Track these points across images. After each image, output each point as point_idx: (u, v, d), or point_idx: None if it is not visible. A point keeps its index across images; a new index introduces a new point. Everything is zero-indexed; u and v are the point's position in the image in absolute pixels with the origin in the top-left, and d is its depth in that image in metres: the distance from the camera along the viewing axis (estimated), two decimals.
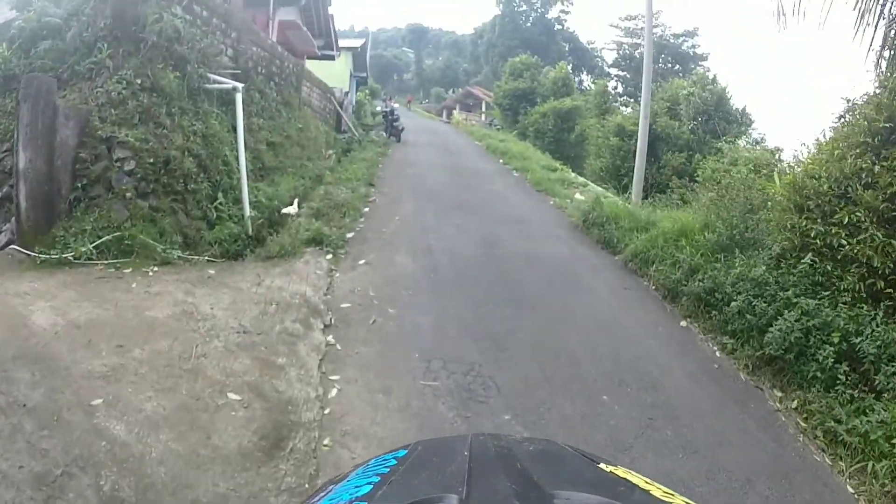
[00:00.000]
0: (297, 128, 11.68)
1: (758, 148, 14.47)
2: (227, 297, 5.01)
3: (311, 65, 19.40)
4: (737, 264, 5.92)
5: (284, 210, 8.71)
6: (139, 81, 6.36)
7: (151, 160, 6.06)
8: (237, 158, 7.50)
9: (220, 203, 7.17)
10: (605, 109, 21.03)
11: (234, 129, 8.04)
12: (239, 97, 7.38)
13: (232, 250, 6.82)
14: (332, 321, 5.01)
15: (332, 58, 19.99)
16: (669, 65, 49.39)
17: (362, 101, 28.78)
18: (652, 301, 6.64)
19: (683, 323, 6.09)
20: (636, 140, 16.73)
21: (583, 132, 22.72)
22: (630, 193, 13.54)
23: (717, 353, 5.49)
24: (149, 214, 6.04)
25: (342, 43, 24.68)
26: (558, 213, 10.49)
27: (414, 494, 0.75)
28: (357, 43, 27.08)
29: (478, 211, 9.70)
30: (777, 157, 13.50)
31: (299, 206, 9.18)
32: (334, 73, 23.09)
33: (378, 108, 24.46)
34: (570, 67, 41.62)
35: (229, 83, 7.49)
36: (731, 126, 17.17)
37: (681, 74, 48.69)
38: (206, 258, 6.33)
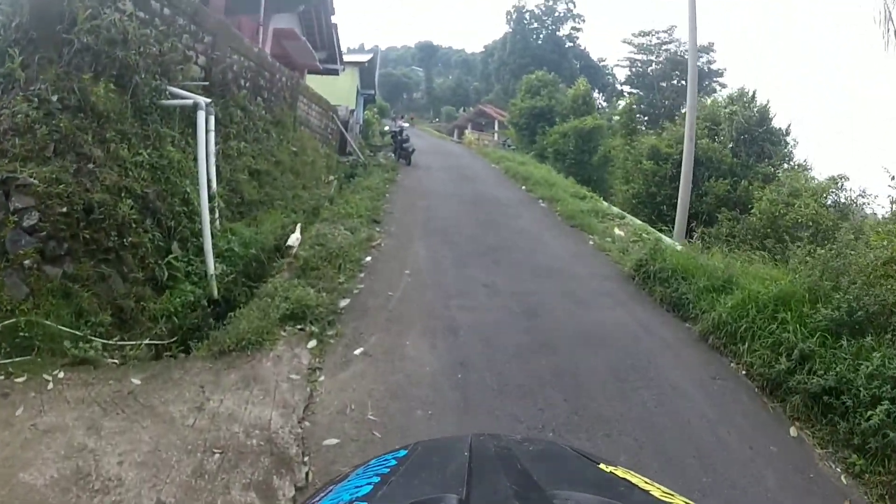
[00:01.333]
0: (290, 151, 9.93)
1: (817, 176, 12.63)
2: (148, 436, 3.18)
3: (313, 80, 17.79)
4: (874, 357, 4.29)
5: (289, 242, 7.39)
6: (56, 98, 4.61)
7: (65, 209, 4.28)
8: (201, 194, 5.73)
9: (176, 257, 5.39)
10: (632, 129, 19.25)
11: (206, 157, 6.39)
12: (202, 115, 5.64)
13: (187, 325, 5.06)
14: (310, 476, 3.15)
15: (335, 72, 18.25)
16: (684, 82, 47.92)
17: (370, 120, 27.17)
18: (748, 397, 4.87)
19: (794, 431, 4.39)
20: (672, 164, 15.01)
21: (606, 154, 20.94)
22: (662, 227, 11.82)
23: (844, 479, 3.93)
24: (61, 287, 4.22)
25: (349, 58, 23.06)
26: (602, 257, 8.63)
27: (414, 495, 0.75)
28: (364, 58, 25.27)
29: (508, 259, 7.86)
30: (840, 185, 11.72)
31: (302, 233, 7.73)
32: (339, 90, 21.49)
33: (386, 128, 22.66)
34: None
35: (191, 97, 5.74)
36: (775, 147, 15.43)
37: (697, 92, 47.25)
38: (146, 342, 4.55)
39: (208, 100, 6.08)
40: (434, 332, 5.20)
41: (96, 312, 4.37)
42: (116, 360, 4.20)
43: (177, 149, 5.79)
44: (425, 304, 5.85)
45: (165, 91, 5.78)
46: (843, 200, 10.95)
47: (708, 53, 47.66)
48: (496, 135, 36.27)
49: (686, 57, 48.42)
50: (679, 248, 8.72)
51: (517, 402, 4.18)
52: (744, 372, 5.21)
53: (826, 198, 10.71)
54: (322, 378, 4.20)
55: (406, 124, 19.03)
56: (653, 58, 48.36)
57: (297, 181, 9.96)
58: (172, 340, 4.81)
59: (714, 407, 4.60)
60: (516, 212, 11.48)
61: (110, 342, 4.32)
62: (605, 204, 13.47)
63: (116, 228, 4.67)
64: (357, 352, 4.66)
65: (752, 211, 11.55)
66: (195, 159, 5.97)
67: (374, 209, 9.85)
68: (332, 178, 12.66)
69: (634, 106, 20.21)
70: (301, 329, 4.87)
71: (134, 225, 4.85)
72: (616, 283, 7.37)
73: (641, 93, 47.79)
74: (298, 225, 8.26)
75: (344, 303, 5.58)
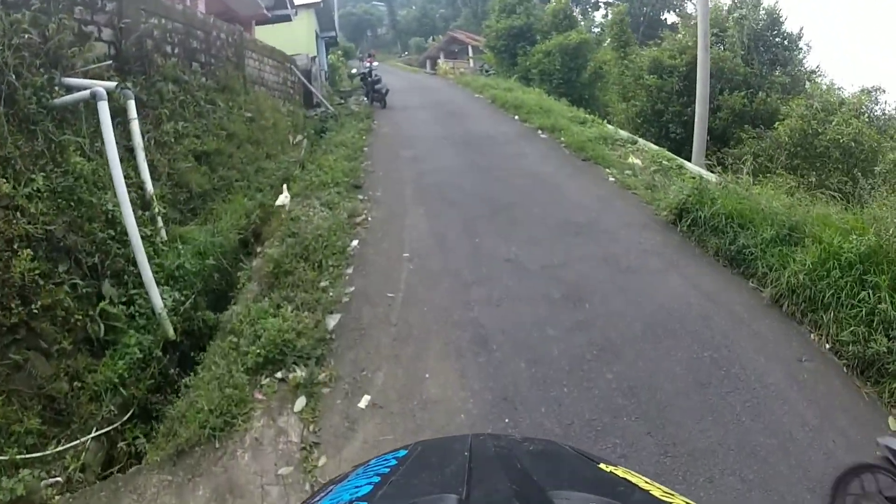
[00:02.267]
0: (244, 119, 8.44)
1: (843, 90, 11.18)
2: None
3: (265, 32, 15.90)
4: None
5: (277, 203, 6.81)
6: None
7: None
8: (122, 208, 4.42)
9: (111, 301, 4.16)
10: (625, 41, 17.44)
11: (133, 153, 5.10)
12: (104, 107, 4.24)
13: (143, 392, 3.90)
14: None
15: (287, 18, 16.08)
16: None
17: (336, 65, 25.03)
18: (840, 381, 3.98)
19: (893, 423, 3.61)
20: (678, 77, 13.48)
21: (597, 70, 19.15)
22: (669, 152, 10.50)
23: None
24: None
25: (303, 0, 20.74)
26: (630, 198, 7.41)
27: (414, 494, 0.75)
28: None
29: (525, 216, 6.61)
30: (875, 98, 10.40)
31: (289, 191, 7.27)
32: (297, 38, 19.39)
33: (354, 70, 20.54)
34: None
35: (89, 86, 4.31)
36: (789, 53, 13.93)
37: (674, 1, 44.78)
38: (93, 435, 3.42)
39: (111, 84, 4.67)
40: (459, 349, 4.05)
41: (18, 419, 3.22)
42: (59, 478, 3.11)
43: (87, 158, 4.43)
44: (438, 306, 4.65)
45: (59, 86, 4.35)
46: (878, 115, 9.76)
47: None
48: (471, 61, 33.79)
49: None
50: (713, 179, 7.55)
51: (590, 451, 3.09)
52: (828, 346, 4.30)
53: (865, 113, 9.49)
54: (322, 460, 3.09)
55: (375, 63, 17.06)
56: None
57: (259, 151, 8.54)
58: (127, 418, 3.69)
59: (811, 405, 3.68)
60: (518, 149, 10.08)
61: (47, 453, 3.19)
62: (611, 127, 12.06)
63: (17, 295, 3.42)
64: (362, 404, 3.53)
65: (777, 127, 10.26)
66: (124, 161, 4.63)
67: (352, 171, 8.49)
68: (299, 137, 11.15)
69: (626, 17, 18.20)
70: (282, 380, 3.71)
71: (41, 281, 3.59)
72: (658, 234, 6.20)
73: (619, 2, 45.32)
74: (285, 185, 7.46)
75: (333, 322, 4.39)
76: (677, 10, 44.50)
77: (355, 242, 5.99)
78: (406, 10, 64.06)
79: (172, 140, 6.32)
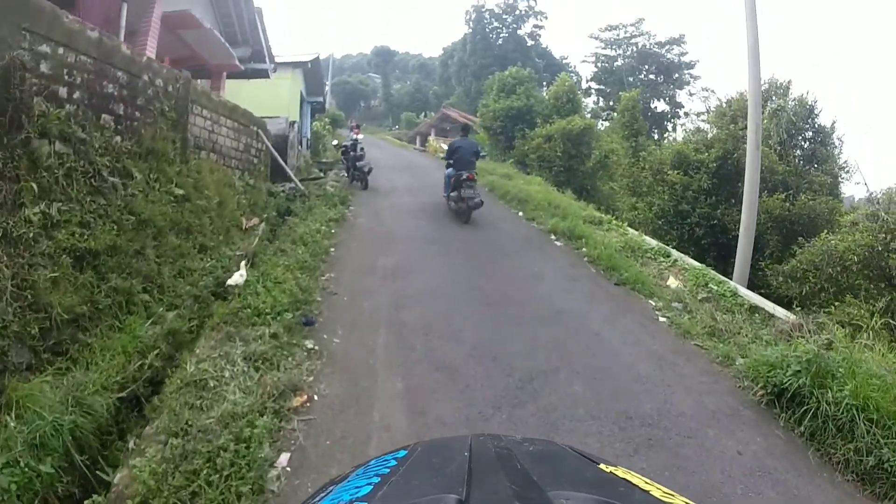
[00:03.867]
0: (171, 197, 6.20)
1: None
2: None
3: (244, 88, 14.08)
4: None
5: (230, 282, 5.75)
6: None
7: None
8: None
9: None
10: (636, 130, 15.96)
11: None
12: None
13: None
14: None
15: (265, 74, 13.92)
16: (652, 76, 46.27)
17: (321, 133, 23.34)
18: None
19: None
20: (707, 175, 11.83)
21: (603, 159, 17.57)
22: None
23: None
24: None
25: (289, 58, 19.02)
26: (694, 353, 5.21)
27: (414, 495, 0.73)
28: (307, 57, 20.91)
29: (560, 404, 4.22)
30: None
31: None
32: (280, 98, 17.67)
33: (335, 143, 18.36)
34: (544, 84, 36.84)
35: None
36: (826, 149, 12.50)
37: (667, 86, 45.36)
38: None
39: None
40: None
41: None
42: None
43: None
44: None
45: None
46: None
47: (679, 45, 46.03)
48: None
49: (653, 50, 46.40)
50: (779, 314, 5.48)
51: None
52: None
53: None
54: None
55: (360, 136, 14.89)
56: (619, 52, 46.75)
57: (187, 243, 6.25)
58: None
59: None
60: (532, 265, 7.75)
61: None
62: (634, 232, 10.11)
63: None
64: None
65: (826, 237, 8.38)
66: None
67: (306, 291, 5.91)
68: (254, 220, 8.90)
69: (639, 103, 16.82)
70: None
71: None
72: (756, 432, 3.96)
73: (608, 89, 45.78)
74: (243, 262, 6.14)
75: None
76: (666, 98, 44.99)
77: (284, 460, 3.39)
78: (400, 84, 64.67)
79: (36, 232, 4.09)
